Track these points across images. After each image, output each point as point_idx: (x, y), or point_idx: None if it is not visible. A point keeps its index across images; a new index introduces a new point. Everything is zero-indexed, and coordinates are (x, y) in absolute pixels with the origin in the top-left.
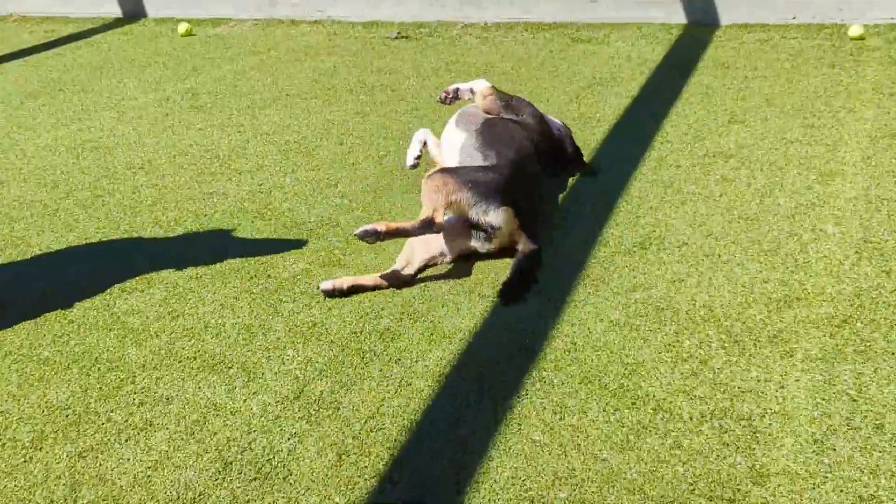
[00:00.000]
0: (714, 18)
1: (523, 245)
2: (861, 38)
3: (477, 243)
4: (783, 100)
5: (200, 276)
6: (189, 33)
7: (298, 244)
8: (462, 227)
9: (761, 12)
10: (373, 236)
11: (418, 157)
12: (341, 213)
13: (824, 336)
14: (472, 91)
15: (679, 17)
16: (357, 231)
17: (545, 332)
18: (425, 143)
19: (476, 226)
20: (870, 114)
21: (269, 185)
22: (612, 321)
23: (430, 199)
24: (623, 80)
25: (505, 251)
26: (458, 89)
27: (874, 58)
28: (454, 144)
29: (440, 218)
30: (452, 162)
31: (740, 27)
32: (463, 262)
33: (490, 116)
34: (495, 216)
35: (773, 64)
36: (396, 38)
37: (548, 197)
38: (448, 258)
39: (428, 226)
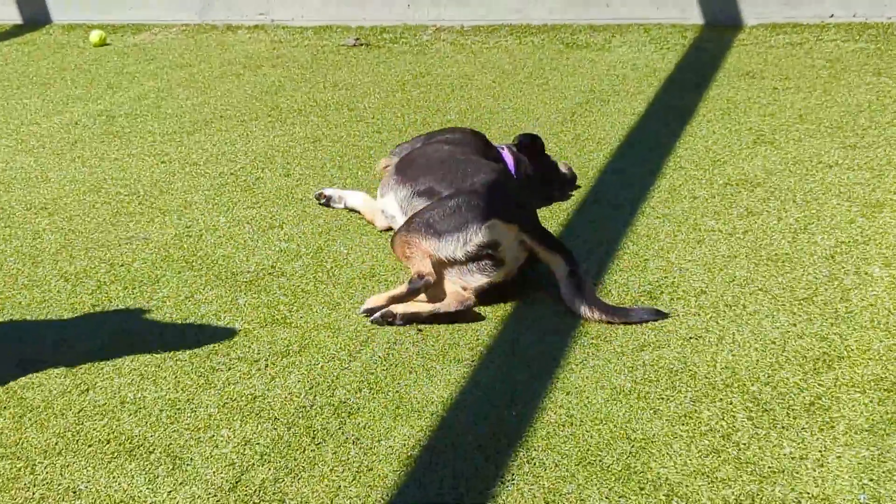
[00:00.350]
0: (736, 18)
1: (546, 254)
2: None
3: (486, 276)
4: (819, 116)
5: (115, 340)
6: (103, 42)
7: (234, 299)
8: (462, 268)
9: (793, 10)
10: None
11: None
12: (287, 260)
13: (871, 402)
14: (344, 202)
15: (695, 17)
16: (372, 318)
17: (535, 402)
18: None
19: (474, 258)
20: None
21: (199, 226)
22: (615, 388)
23: (410, 261)
24: (627, 94)
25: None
26: (329, 197)
27: None
28: (393, 209)
29: (426, 268)
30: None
31: (768, 28)
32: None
33: (397, 160)
34: (485, 234)
35: (808, 72)
36: (354, 45)
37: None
38: (472, 301)
39: (417, 280)
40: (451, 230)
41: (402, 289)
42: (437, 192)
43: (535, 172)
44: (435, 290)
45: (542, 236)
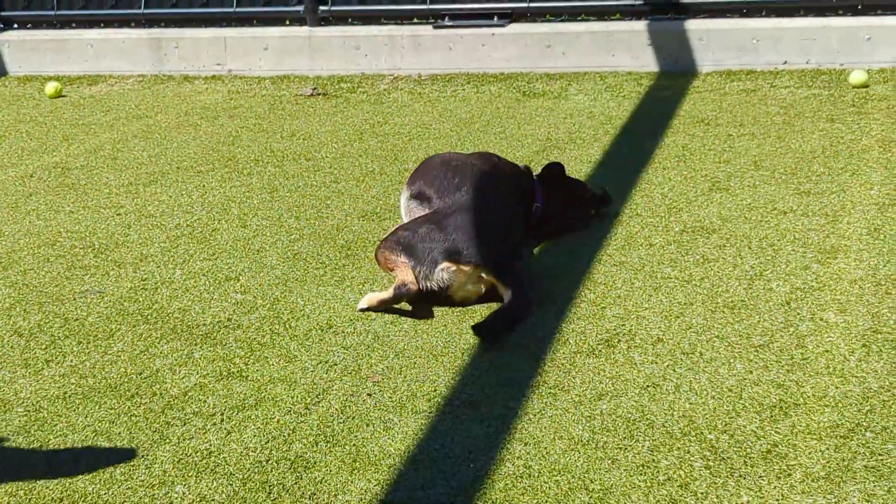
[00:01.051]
0: (691, 65)
1: (504, 291)
2: (864, 85)
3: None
4: (774, 162)
5: (69, 396)
6: (58, 94)
7: (190, 353)
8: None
9: (747, 57)
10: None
11: None
12: (243, 312)
13: (828, 449)
14: None
15: (650, 65)
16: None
17: (493, 453)
18: None
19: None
20: (877, 177)
21: (155, 279)
22: (573, 438)
23: (392, 271)
24: (583, 142)
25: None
26: None
27: (880, 109)
28: (402, 211)
29: (409, 277)
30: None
31: (722, 75)
32: (392, 370)
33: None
34: (438, 278)
35: (762, 119)
36: (312, 95)
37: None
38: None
39: (401, 288)
40: (417, 258)
41: (388, 293)
42: (426, 196)
43: (564, 198)
44: None
45: (500, 273)
